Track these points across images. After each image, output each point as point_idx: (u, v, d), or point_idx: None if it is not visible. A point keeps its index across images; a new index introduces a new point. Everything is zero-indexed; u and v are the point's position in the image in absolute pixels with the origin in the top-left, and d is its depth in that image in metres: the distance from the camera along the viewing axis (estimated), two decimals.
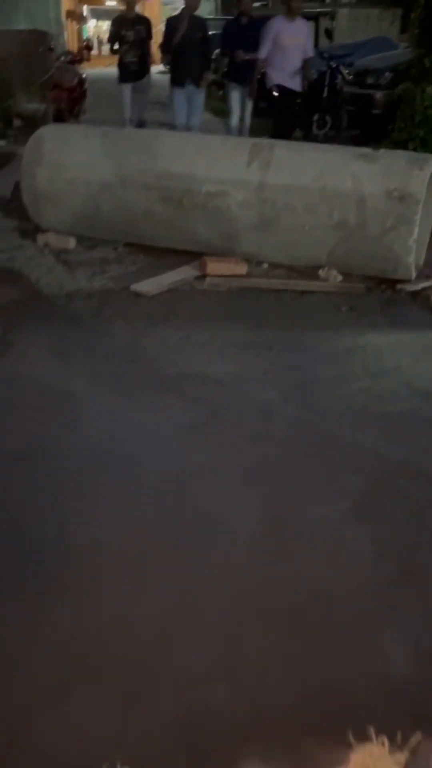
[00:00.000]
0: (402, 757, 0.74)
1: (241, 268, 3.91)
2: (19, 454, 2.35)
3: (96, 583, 1.78)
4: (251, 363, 3.03)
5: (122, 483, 2.21)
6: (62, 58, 10.21)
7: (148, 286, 3.71)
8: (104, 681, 1.41)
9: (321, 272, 3.91)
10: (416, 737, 0.75)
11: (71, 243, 4.29)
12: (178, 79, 6.54)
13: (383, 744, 0.75)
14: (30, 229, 4.48)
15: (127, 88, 7.20)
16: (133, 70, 7.13)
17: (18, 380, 2.86)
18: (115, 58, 7.37)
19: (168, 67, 6.82)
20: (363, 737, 0.79)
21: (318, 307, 3.65)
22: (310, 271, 3.94)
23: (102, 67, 15.74)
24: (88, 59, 12.14)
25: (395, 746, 0.75)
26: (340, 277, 3.88)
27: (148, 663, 1.48)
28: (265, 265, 4.04)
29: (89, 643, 1.55)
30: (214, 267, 3.86)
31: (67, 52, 11.57)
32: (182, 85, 6.51)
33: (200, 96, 6.67)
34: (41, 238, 4.32)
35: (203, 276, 3.85)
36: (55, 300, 3.62)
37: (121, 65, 7.17)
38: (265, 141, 4.35)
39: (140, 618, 1.63)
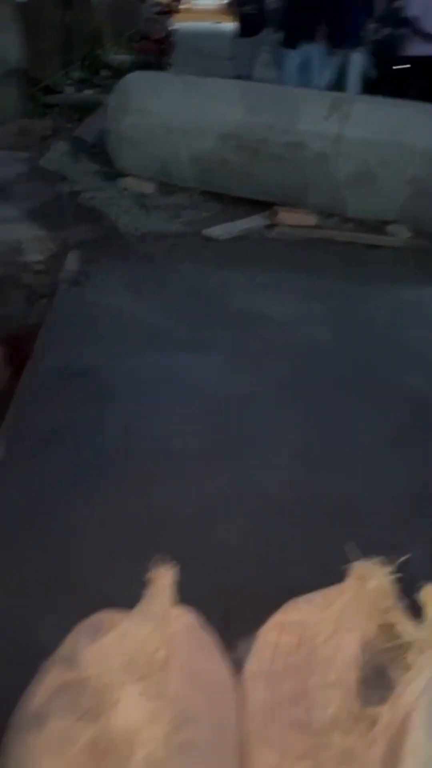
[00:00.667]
0: (391, 569, 0.90)
1: (311, 219, 4.00)
2: (91, 371, 2.59)
3: (151, 478, 2.00)
4: (311, 307, 3.16)
5: (179, 400, 2.42)
6: (152, 9, 10.24)
7: (219, 231, 3.86)
8: (152, 552, 1.62)
9: (390, 227, 3.97)
10: (405, 557, 0.91)
11: (149, 188, 4.46)
12: (292, 38, 5.43)
13: (377, 562, 0.91)
14: (112, 173, 4.67)
15: (243, 43, 6.54)
16: (253, 23, 6.38)
17: (95, 308, 3.09)
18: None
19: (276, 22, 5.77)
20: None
21: (384, 261, 3.73)
22: (380, 226, 4.00)
23: (191, 21, 15.65)
24: (178, 11, 12.12)
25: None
26: (409, 234, 3.93)
27: (191, 541, 1.69)
28: (336, 218, 4.12)
29: (142, 523, 1.78)
30: (284, 216, 3.98)
31: (157, 3, 11.57)
32: (294, 45, 5.44)
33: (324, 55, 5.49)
34: (122, 182, 4.51)
35: (273, 225, 3.97)
36: (131, 239, 3.82)
37: (241, 18, 6.55)
38: (346, 95, 4.39)
39: (187, 507, 1.85)
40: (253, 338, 2.85)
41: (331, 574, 1.22)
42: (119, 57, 10.32)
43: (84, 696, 0.76)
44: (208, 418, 2.32)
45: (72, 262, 3.47)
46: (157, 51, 9.43)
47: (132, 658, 0.79)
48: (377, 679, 0.83)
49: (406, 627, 0.84)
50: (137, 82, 4.65)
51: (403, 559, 0.91)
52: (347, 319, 3.05)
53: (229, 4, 6.86)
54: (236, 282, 3.36)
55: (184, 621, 0.91)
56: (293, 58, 5.49)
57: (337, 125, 3.99)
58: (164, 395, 2.47)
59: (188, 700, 0.80)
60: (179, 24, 12.08)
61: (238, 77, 5.88)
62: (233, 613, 1.25)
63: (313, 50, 5.43)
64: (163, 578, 0.91)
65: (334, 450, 2.12)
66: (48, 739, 0.75)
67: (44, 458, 2.08)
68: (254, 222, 4.01)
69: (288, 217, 3.98)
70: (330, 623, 0.89)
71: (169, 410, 2.37)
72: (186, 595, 1.24)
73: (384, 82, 5.42)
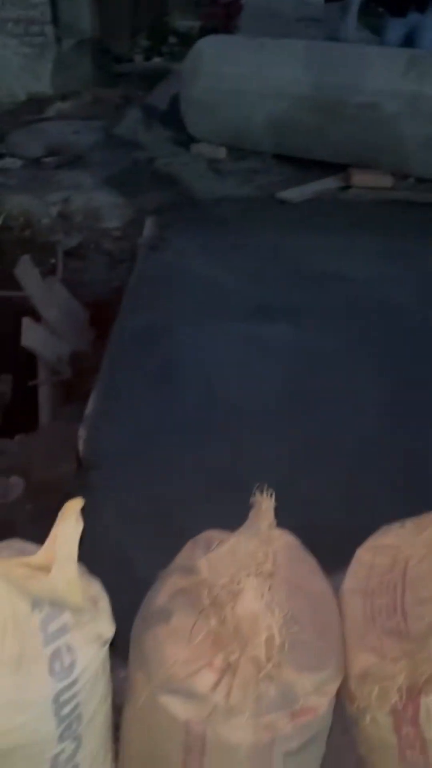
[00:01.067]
0: None
1: (387, 181, 3.96)
2: (173, 333, 2.68)
3: (234, 430, 2.11)
4: (389, 269, 3.16)
5: (258, 360, 2.50)
6: None
7: (293, 194, 3.87)
8: (238, 492, 1.72)
9: None
10: None
11: (222, 153, 4.50)
12: (401, 4, 4.85)
13: None
14: (185, 139, 4.72)
15: (332, 7, 6.23)
16: None
17: (173, 272, 3.18)
18: None
19: None
20: None
21: None
22: None
23: None
24: None
25: None
26: None
27: (279, 484, 1.78)
28: (412, 179, 4.06)
29: (228, 466, 1.89)
30: (359, 178, 3.95)
31: None
32: (403, 13, 4.92)
33: None
34: (195, 148, 4.56)
35: (348, 187, 3.96)
36: (206, 203, 3.89)
37: None
38: (423, 51, 4.27)
39: (273, 455, 1.94)
40: (329, 298, 2.88)
41: (418, 512, 1.27)
42: (187, 23, 10.24)
43: (204, 595, 0.86)
44: (287, 374, 2.39)
45: (149, 227, 3.57)
46: (223, 15, 9.28)
47: (243, 566, 0.88)
48: None
49: None
50: (210, 46, 4.65)
51: None
52: (425, 280, 3.04)
53: None
54: (311, 244, 3.38)
55: (286, 539, 1.00)
56: (399, 27, 5.01)
57: (413, 84, 3.91)
58: (243, 355, 2.55)
59: (294, 604, 0.88)
60: None
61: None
62: (324, 549, 1.32)
63: (422, 18, 4.93)
64: (265, 502, 0.99)
65: (414, 404, 2.16)
66: (174, 630, 0.86)
67: (134, 411, 2.21)
68: (328, 184, 4.00)
69: (363, 178, 3.95)
70: (423, 546, 0.95)
71: (249, 369, 2.45)
72: None
73: None
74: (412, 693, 0.82)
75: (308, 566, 0.99)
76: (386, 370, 2.39)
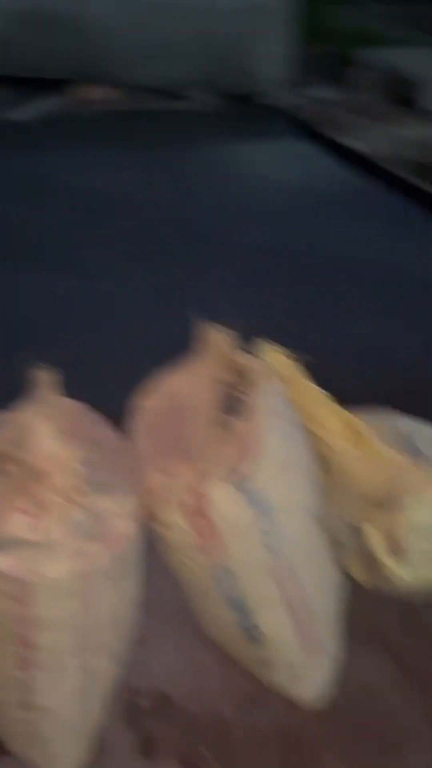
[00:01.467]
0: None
1: (112, 93, 3.99)
2: None
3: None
4: (129, 175, 3.26)
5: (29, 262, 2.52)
6: None
7: (22, 113, 3.75)
8: None
9: (189, 92, 4.06)
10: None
11: None
12: None
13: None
14: None
15: None
16: None
17: None
18: None
19: None
20: None
21: (188, 124, 3.86)
22: (179, 91, 4.09)
23: None
24: None
25: None
26: (206, 96, 4.05)
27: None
28: (138, 90, 4.13)
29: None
30: (85, 93, 3.94)
31: None
32: None
33: None
34: None
35: (76, 102, 3.92)
36: None
37: None
38: None
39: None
40: (76, 206, 2.93)
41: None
42: None
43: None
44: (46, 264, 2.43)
45: None
46: None
47: (33, 424, 0.94)
48: (234, 409, 1.07)
49: (251, 364, 1.09)
50: None
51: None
52: (167, 183, 3.19)
53: None
54: (48, 161, 3.36)
55: (72, 404, 1.08)
56: None
57: None
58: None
59: (88, 446, 0.98)
60: None
61: None
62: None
63: None
64: (46, 376, 1.05)
65: (185, 292, 2.32)
66: None
67: None
68: (55, 101, 3.93)
69: (89, 92, 3.94)
70: (190, 378, 1.10)
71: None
72: None
73: None
74: (198, 491, 0.98)
75: (97, 421, 1.08)
76: (141, 260, 2.53)
